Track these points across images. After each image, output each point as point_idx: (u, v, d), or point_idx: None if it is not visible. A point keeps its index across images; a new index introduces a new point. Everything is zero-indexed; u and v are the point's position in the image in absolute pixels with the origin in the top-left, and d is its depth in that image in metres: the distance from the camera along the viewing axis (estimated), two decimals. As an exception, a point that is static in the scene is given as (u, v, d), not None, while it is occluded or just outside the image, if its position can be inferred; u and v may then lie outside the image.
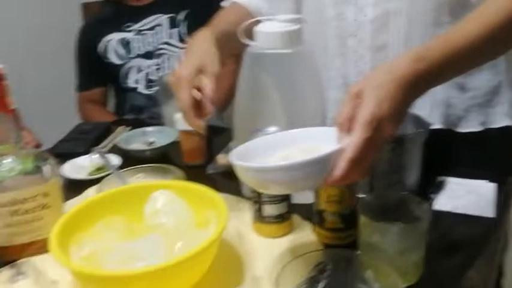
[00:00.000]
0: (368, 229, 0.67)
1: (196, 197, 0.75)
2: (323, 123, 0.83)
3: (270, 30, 0.80)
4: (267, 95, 0.81)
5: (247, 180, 0.64)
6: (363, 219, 0.67)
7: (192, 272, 0.64)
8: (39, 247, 0.77)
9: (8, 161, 0.75)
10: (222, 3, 1.07)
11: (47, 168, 0.77)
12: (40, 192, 0.76)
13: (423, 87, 0.65)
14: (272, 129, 0.77)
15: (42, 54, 2.00)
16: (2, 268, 0.71)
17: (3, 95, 0.73)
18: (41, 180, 0.77)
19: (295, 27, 0.80)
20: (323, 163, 0.58)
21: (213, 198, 0.73)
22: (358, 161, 0.57)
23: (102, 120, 1.44)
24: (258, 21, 0.83)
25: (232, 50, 0.91)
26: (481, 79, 0.93)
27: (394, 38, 0.90)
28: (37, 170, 0.77)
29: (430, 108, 0.95)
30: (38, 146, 1.24)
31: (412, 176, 0.84)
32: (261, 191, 0.75)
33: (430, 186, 0.88)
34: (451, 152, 0.96)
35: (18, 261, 0.72)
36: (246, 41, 0.82)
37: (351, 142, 0.57)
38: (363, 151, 0.57)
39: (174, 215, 0.73)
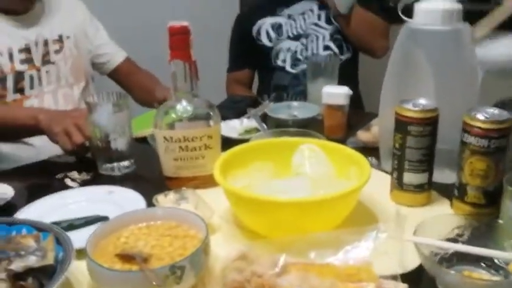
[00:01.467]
0: (513, 201, 0.67)
1: (339, 154, 0.81)
2: (472, 100, 0.84)
3: (432, 7, 0.83)
4: (418, 69, 0.85)
5: None
6: (509, 190, 0.67)
7: (333, 213, 0.70)
8: (199, 182, 0.89)
9: (182, 104, 0.88)
10: None
11: (212, 115, 0.89)
12: (206, 134, 0.88)
13: None
14: (421, 100, 0.80)
15: (200, 37, 2.20)
16: (169, 191, 0.83)
17: (187, 47, 0.85)
18: (206, 124, 0.89)
19: (456, 5, 0.83)
20: None
21: (355, 156, 0.78)
22: None
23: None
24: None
25: None
26: None
27: None
28: (205, 115, 0.89)
29: None
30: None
31: None
32: None
33: None
34: None
35: (182, 188, 0.84)
36: (404, 18, 0.86)
37: None
38: None
39: (318, 167, 0.80)
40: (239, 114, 1.27)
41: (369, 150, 1.03)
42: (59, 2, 1.43)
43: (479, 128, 0.73)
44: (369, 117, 1.17)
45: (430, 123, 0.79)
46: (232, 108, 1.31)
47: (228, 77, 1.82)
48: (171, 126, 0.88)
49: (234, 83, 1.78)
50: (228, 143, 1.09)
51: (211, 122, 0.89)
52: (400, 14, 0.86)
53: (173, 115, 0.88)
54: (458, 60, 0.84)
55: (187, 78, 0.86)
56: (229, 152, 0.81)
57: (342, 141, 1.11)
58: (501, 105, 0.83)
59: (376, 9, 1.65)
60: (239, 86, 1.77)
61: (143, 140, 1.08)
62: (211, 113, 0.89)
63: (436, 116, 0.79)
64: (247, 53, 1.74)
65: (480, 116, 0.73)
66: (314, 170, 0.80)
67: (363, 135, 1.08)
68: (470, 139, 0.74)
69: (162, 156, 0.90)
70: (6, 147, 1.33)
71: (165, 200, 0.82)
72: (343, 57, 1.65)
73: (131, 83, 1.55)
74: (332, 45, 1.65)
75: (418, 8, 0.84)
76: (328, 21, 1.64)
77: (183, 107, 0.87)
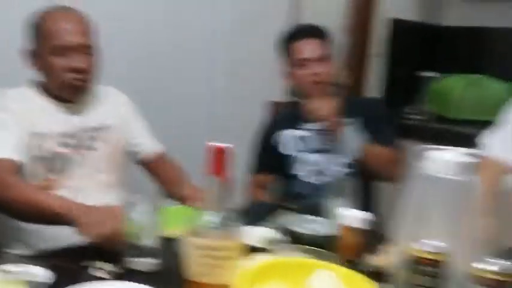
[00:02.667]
0: None
1: (354, 283, 0.87)
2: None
3: (446, 158, 0.92)
4: (431, 211, 0.92)
5: None
6: None
7: None
8: (216, 290, 0.94)
9: (212, 216, 0.95)
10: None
11: (237, 230, 0.96)
12: (228, 245, 0.94)
13: None
14: (434, 242, 0.87)
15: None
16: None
17: (223, 167, 0.94)
18: (230, 235, 0.95)
19: (470, 159, 0.92)
20: None
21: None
22: None
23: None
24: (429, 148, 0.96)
25: None
26: None
27: None
28: (231, 229, 0.95)
29: None
30: None
31: None
32: None
33: None
34: None
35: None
36: (419, 164, 0.95)
37: None
38: None
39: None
40: (260, 220, 1.33)
41: (381, 276, 1.08)
42: (106, 94, 1.57)
43: (490, 278, 0.79)
44: (381, 241, 1.22)
45: (440, 264, 0.85)
46: (253, 214, 1.38)
47: (249, 179, 1.91)
48: (198, 234, 0.95)
49: (254, 187, 1.88)
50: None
51: (235, 234, 0.95)
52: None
53: (202, 224, 0.95)
54: (465, 207, 0.92)
55: (220, 194, 0.95)
56: (251, 268, 0.88)
57: (356, 263, 1.17)
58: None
59: (388, 136, 1.75)
60: (259, 189, 1.86)
61: (170, 239, 1.14)
62: (237, 228, 0.96)
63: (446, 258, 0.85)
64: (269, 160, 1.85)
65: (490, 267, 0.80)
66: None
67: (375, 260, 1.13)
68: (479, 288, 0.80)
69: (186, 261, 0.96)
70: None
71: (186, 305, 0.87)
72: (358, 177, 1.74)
73: (160, 175, 1.63)
74: (349, 163, 1.74)
75: (432, 156, 0.93)
76: None
77: (210, 216, 0.95)
